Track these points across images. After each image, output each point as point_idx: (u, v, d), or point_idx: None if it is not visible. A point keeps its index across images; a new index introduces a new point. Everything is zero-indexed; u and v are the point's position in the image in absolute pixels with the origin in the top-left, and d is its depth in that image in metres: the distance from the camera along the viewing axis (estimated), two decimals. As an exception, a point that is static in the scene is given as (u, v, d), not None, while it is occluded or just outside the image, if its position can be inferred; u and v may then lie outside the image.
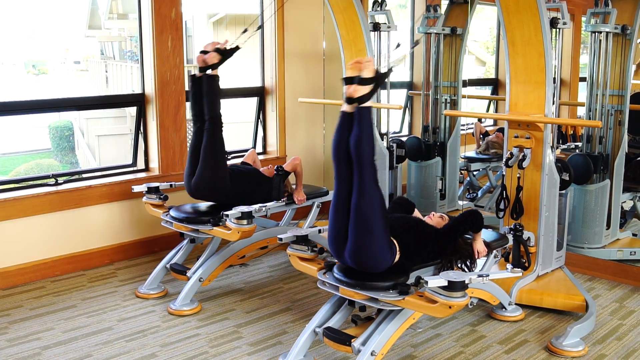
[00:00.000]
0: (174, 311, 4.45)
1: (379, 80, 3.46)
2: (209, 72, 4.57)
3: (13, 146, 19.60)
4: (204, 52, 4.55)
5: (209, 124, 4.56)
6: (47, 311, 4.50)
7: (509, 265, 4.04)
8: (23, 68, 26.58)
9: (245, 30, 4.73)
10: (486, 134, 7.12)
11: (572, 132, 7.85)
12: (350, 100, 3.40)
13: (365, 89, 3.38)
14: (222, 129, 4.63)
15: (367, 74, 3.38)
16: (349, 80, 3.41)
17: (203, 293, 4.78)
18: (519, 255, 4.24)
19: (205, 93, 4.57)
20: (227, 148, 5.49)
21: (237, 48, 4.61)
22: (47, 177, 5.27)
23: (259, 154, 6.54)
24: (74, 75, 24.60)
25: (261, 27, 5.05)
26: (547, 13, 4.36)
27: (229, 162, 5.34)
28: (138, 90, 5.73)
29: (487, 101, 8.55)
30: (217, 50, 4.53)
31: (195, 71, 4.62)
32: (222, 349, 3.95)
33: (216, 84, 4.60)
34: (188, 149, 4.72)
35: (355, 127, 3.38)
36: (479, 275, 3.30)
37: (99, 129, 17.12)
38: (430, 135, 6.57)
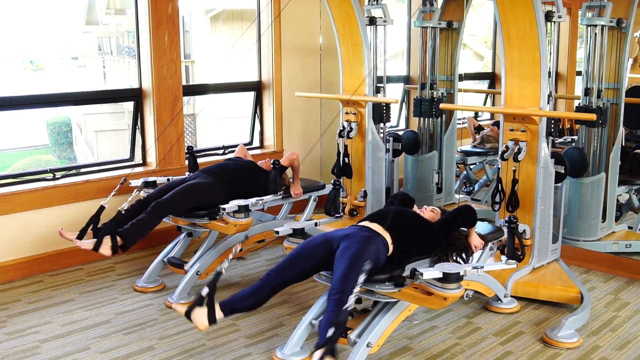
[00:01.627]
0: (171, 304, 4.47)
1: None
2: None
3: (11, 142, 19.61)
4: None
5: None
6: (45, 305, 4.53)
7: (503, 257, 4.08)
8: (20, 64, 26.55)
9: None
10: (480, 128, 7.15)
11: (569, 126, 7.89)
12: None
13: None
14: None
15: None
16: None
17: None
18: (514, 247, 4.27)
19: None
20: (225, 142, 5.53)
21: None
22: (45, 172, 5.29)
23: (256, 148, 6.57)
24: (71, 70, 24.58)
25: (259, 30, 5.03)
26: (542, 7, 4.38)
27: (225, 157, 5.38)
28: (135, 85, 5.75)
29: (484, 95, 8.59)
30: None
31: None
32: (220, 342, 3.97)
33: None
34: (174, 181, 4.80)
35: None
36: (474, 267, 3.33)
37: (96, 125, 17.15)
38: (426, 128, 6.59)
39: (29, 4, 23.78)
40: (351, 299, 3.22)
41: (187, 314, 3.35)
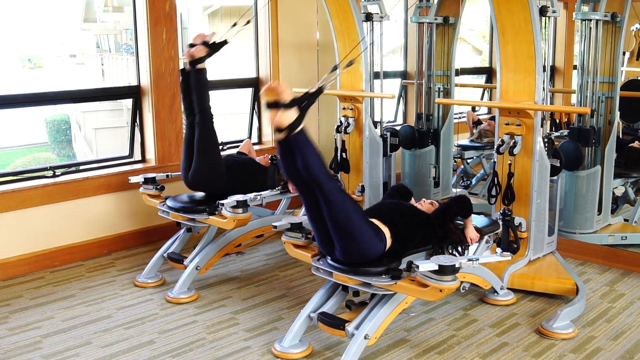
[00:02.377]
0: (171, 299, 4.52)
1: (307, 102, 3.33)
2: (197, 65, 4.59)
3: (10, 140, 19.64)
4: (191, 46, 4.58)
5: (199, 118, 4.60)
6: (46, 301, 4.57)
7: (498, 250, 4.13)
8: (19, 62, 26.57)
9: (234, 24, 4.76)
10: (479, 122, 7.19)
11: (566, 119, 7.93)
12: (279, 129, 3.26)
13: (291, 114, 3.25)
14: (213, 121, 4.67)
15: (287, 96, 3.25)
16: (271, 105, 3.25)
17: (200, 281, 4.85)
18: (508, 239, 4.32)
19: (194, 87, 4.60)
20: (223, 139, 5.55)
21: (225, 42, 4.64)
22: (45, 169, 5.33)
23: (254, 144, 6.61)
24: (70, 68, 24.60)
25: (249, 22, 5.05)
26: (537, 2, 4.42)
27: (224, 153, 5.43)
28: (134, 83, 5.79)
29: (482, 89, 8.62)
30: (205, 44, 4.57)
31: (186, 65, 4.66)
32: (219, 335, 4.02)
33: (204, 77, 4.62)
34: (183, 141, 4.77)
35: (297, 155, 3.29)
36: (469, 259, 3.37)
37: (95, 122, 17.18)
38: (423, 124, 6.64)
39: (27, 2, 23.80)
40: None
41: None
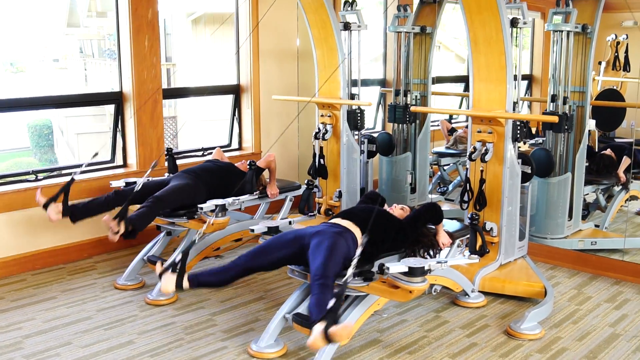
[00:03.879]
0: (151, 301, 4.62)
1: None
2: None
3: (-10, 145, 19.56)
4: None
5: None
6: (28, 302, 4.65)
7: (466, 252, 4.26)
8: (0, 66, 26.44)
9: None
10: (453, 130, 7.33)
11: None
12: None
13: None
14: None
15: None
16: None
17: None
18: (475, 243, 4.46)
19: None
20: (204, 144, 5.64)
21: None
22: (27, 173, 5.40)
23: (234, 149, 6.72)
24: (52, 73, 24.52)
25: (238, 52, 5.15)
26: (508, 13, 4.56)
27: (204, 158, 5.53)
28: (116, 89, 5.88)
29: (460, 97, 8.77)
30: None
31: None
32: (197, 336, 4.12)
33: None
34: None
35: None
36: (438, 262, 3.50)
37: (78, 127, 17.18)
38: (400, 130, 6.77)
39: (9, 5, 23.72)
40: (338, 285, 3.40)
41: (160, 275, 3.66)
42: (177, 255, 3.67)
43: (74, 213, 4.55)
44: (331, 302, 3.20)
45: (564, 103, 5.50)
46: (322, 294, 3.35)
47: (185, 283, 3.64)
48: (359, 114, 5.81)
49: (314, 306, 3.32)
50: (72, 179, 4.58)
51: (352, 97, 5.89)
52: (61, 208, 4.48)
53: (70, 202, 4.53)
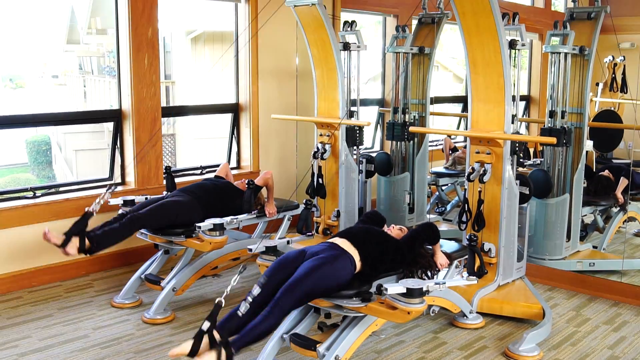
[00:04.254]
0: (148, 320, 4.60)
1: None
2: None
3: (-11, 161, 19.57)
4: None
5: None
6: (24, 320, 4.63)
7: (465, 274, 4.26)
8: (0, 82, 26.52)
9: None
10: (455, 149, 7.35)
11: (541, 148, 8.11)
12: None
13: None
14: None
15: None
16: None
17: (176, 302, 4.93)
18: (474, 264, 4.45)
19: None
20: (202, 162, 5.63)
21: None
22: (25, 190, 5.41)
23: (232, 168, 6.72)
24: (51, 89, 24.60)
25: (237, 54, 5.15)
26: (506, 35, 4.59)
27: (202, 177, 5.53)
28: (115, 106, 5.89)
29: (458, 118, 8.80)
30: None
31: None
32: (194, 356, 4.09)
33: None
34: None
35: None
36: (436, 283, 3.49)
37: (76, 144, 17.19)
38: (399, 150, 6.78)
39: (9, 21, 23.80)
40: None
41: (192, 354, 3.22)
42: (204, 324, 3.24)
43: (92, 248, 4.36)
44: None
45: (562, 117, 5.51)
46: (263, 319, 3.39)
47: (217, 337, 3.27)
48: (357, 131, 5.82)
49: (246, 329, 3.36)
50: (90, 214, 4.31)
51: (351, 114, 5.90)
52: (78, 244, 4.26)
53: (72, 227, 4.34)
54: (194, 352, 3.20)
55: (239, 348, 3.32)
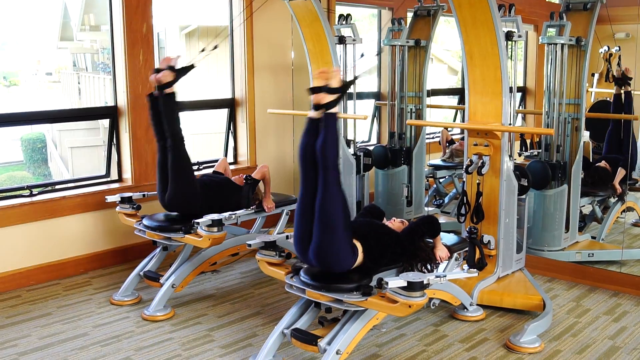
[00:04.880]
0: (147, 317, 4.59)
1: (345, 89, 3.65)
2: (165, 90, 4.64)
3: (-16, 159, 19.53)
4: (157, 71, 4.62)
5: (171, 142, 4.65)
6: (23, 319, 4.61)
7: (465, 266, 4.25)
8: (-6, 80, 26.45)
9: (203, 50, 4.87)
10: (452, 142, 7.33)
11: (537, 139, 8.10)
12: (317, 107, 3.57)
13: (332, 97, 3.57)
14: (184, 143, 4.72)
15: (335, 83, 3.58)
16: (316, 90, 3.59)
17: (176, 299, 4.92)
18: (474, 256, 4.45)
19: (164, 112, 4.65)
20: (199, 158, 5.60)
21: (192, 66, 4.70)
22: (22, 188, 5.38)
23: (230, 163, 6.70)
24: (45, 86, 24.55)
25: (216, 47, 5.13)
26: (503, 26, 4.57)
27: (200, 172, 5.51)
28: (111, 103, 5.87)
29: (455, 110, 8.78)
30: (171, 68, 4.60)
31: (155, 90, 4.70)
32: (195, 352, 4.09)
33: (173, 102, 4.67)
34: (156, 165, 4.82)
35: (321, 132, 3.54)
36: (437, 276, 3.48)
37: (72, 141, 17.14)
38: (396, 143, 6.77)
39: (2, 19, 23.73)
40: None
41: None
42: None
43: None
44: None
45: (558, 151, 5.56)
46: None
47: None
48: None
49: None
50: None
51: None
52: None
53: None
54: None
55: None
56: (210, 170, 5.42)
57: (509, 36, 4.73)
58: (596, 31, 5.67)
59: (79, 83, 21.06)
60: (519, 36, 4.82)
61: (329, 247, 3.56)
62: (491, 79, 4.62)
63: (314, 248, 3.60)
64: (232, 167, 6.62)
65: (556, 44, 5.47)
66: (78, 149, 16.91)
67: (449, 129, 7.92)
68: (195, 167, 6.33)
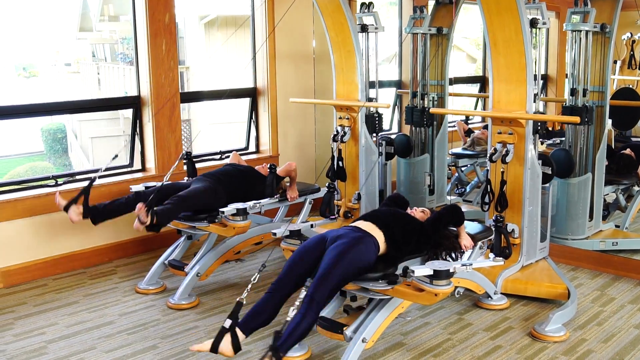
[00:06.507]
0: (173, 305, 4.63)
1: None
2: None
3: (6, 149, 19.70)
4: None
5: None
6: (50, 307, 4.67)
7: (491, 255, 4.24)
8: (14, 71, 26.64)
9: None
10: (470, 131, 7.31)
11: (559, 127, 8.05)
12: None
13: None
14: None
15: None
16: None
17: (200, 288, 4.95)
18: (500, 245, 4.43)
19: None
20: (221, 147, 5.61)
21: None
22: (47, 178, 5.43)
23: (252, 153, 6.72)
24: (65, 77, 24.68)
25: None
26: (527, 13, 4.54)
27: (222, 162, 5.54)
28: (132, 92, 5.89)
29: (475, 98, 8.74)
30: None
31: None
32: (220, 340, 4.11)
33: None
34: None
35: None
36: (463, 264, 3.49)
37: (92, 131, 17.26)
38: (418, 132, 6.76)
39: (21, 10, 23.87)
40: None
41: (214, 349, 3.39)
42: (226, 322, 3.42)
43: (95, 214, 4.61)
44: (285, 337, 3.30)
45: (584, 95, 5.46)
46: (302, 317, 3.37)
47: (241, 336, 3.45)
48: (377, 118, 5.80)
49: (288, 330, 3.34)
50: (92, 181, 4.66)
51: (369, 100, 5.87)
52: (82, 210, 4.53)
53: (90, 204, 4.56)
54: (214, 348, 3.38)
55: (286, 351, 3.37)
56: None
57: (533, 23, 4.69)
58: (619, 17, 5.60)
59: (98, 73, 21.18)
60: (544, 23, 4.78)
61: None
62: (515, 67, 4.59)
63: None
64: (253, 156, 6.63)
65: (580, 31, 5.42)
66: (98, 139, 17.02)
67: (469, 118, 7.89)
68: (217, 156, 6.34)
